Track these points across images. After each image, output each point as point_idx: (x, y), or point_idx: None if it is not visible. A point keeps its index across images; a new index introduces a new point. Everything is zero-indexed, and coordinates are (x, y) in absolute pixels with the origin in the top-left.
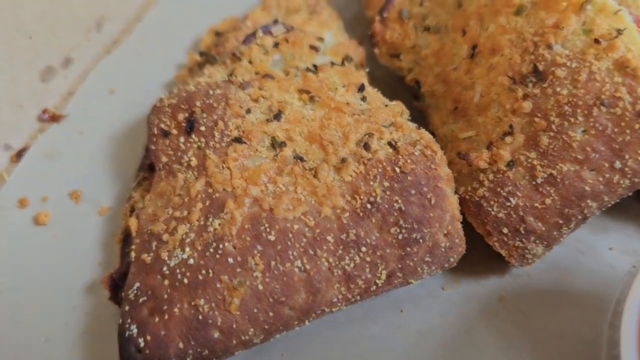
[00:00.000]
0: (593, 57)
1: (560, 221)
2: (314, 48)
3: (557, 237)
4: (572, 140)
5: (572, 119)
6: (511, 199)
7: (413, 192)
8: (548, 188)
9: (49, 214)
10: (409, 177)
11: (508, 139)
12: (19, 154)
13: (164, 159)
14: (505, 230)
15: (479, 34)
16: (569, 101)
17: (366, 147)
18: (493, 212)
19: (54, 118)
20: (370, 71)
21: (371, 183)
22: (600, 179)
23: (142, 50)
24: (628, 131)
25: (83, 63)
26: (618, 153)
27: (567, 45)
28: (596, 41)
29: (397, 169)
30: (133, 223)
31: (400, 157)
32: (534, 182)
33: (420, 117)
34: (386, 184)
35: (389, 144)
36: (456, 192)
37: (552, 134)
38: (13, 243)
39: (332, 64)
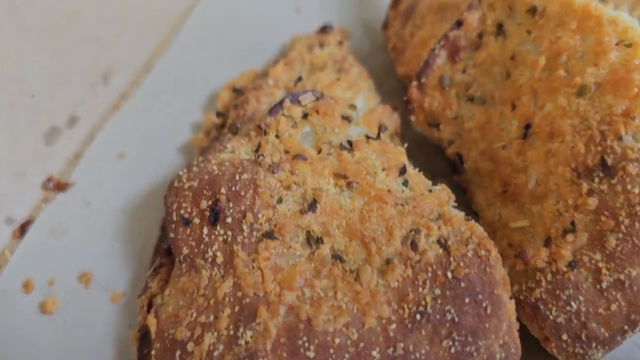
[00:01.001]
0: None
1: (626, 327)
2: (346, 118)
3: (620, 341)
4: None
5: None
6: (572, 302)
7: (467, 300)
8: (614, 293)
9: (56, 301)
10: (462, 284)
11: (569, 236)
12: (23, 229)
13: (185, 250)
14: (564, 337)
15: (533, 111)
16: None
17: (413, 246)
18: (551, 316)
19: (60, 186)
20: (403, 132)
21: (420, 289)
22: None
23: (152, 107)
24: None
25: (90, 121)
26: None
27: (639, 138)
28: None
29: (449, 274)
30: (152, 322)
31: (452, 259)
32: (598, 286)
33: (458, 191)
34: (437, 291)
35: (439, 242)
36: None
37: (620, 235)
38: (17, 334)
39: (367, 137)
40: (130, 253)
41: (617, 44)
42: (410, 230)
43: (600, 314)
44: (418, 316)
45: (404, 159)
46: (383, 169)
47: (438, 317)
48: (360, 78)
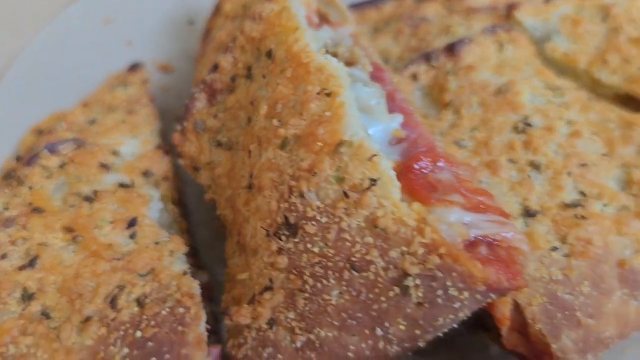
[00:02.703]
0: (343, 211)
1: None
2: (104, 166)
3: None
4: (327, 304)
5: (325, 281)
6: None
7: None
8: (309, 352)
9: None
10: (149, 343)
11: (267, 294)
12: None
13: None
14: None
15: (256, 161)
16: (320, 261)
17: (112, 303)
18: None
19: None
20: None
21: (111, 348)
22: (364, 345)
23: None
24: (383, 298)
25: None
26: (377, 320)
27: (320, 195)
28: (345, 194)
29: (139, 333)
30: None
31: (144, 317)
32: (294, 345)
33: None
34: (126, 350)
35: (138, 300)
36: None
37: (307, 295)
38: None
39: (121, 185)
40: None
41: (318, 93)
42: (116, 287)
43: None
44: None
45: (142, 210)
46: (111, 222)
47: None
48: (146, 121)
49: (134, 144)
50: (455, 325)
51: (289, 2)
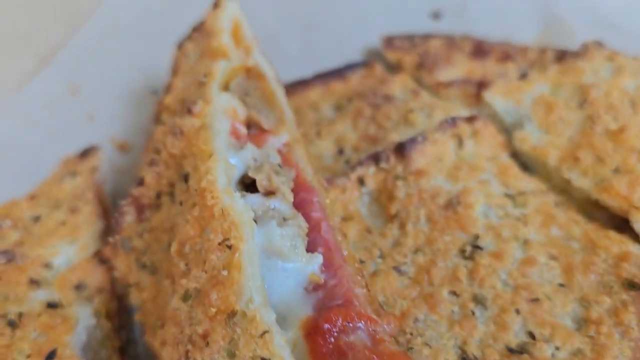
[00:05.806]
0: None
1: None
2: (34, 282)
3: None
4: None
5: None
6: None
7: None
8: None
9: None
10: None
11: None
12: None
13: None
14: None
15: (168, 303)
16: None
17: None
18: None
19: None
20: None
21: None
22: None
23: None
24: None
25: None
26: None
27: None
28: None
29: None
30: None
31: None
32: None
33: None
34: None
35: None
36: None
37: None
38: None
39: (49, 305)
40: None
41: (220, 244)
42: None
43: None
44: None
45: (65, 338)
46: (28, 356)
47: None
48: (87, 221)
49: (71, 251)
50: None
51: (210, 117)
